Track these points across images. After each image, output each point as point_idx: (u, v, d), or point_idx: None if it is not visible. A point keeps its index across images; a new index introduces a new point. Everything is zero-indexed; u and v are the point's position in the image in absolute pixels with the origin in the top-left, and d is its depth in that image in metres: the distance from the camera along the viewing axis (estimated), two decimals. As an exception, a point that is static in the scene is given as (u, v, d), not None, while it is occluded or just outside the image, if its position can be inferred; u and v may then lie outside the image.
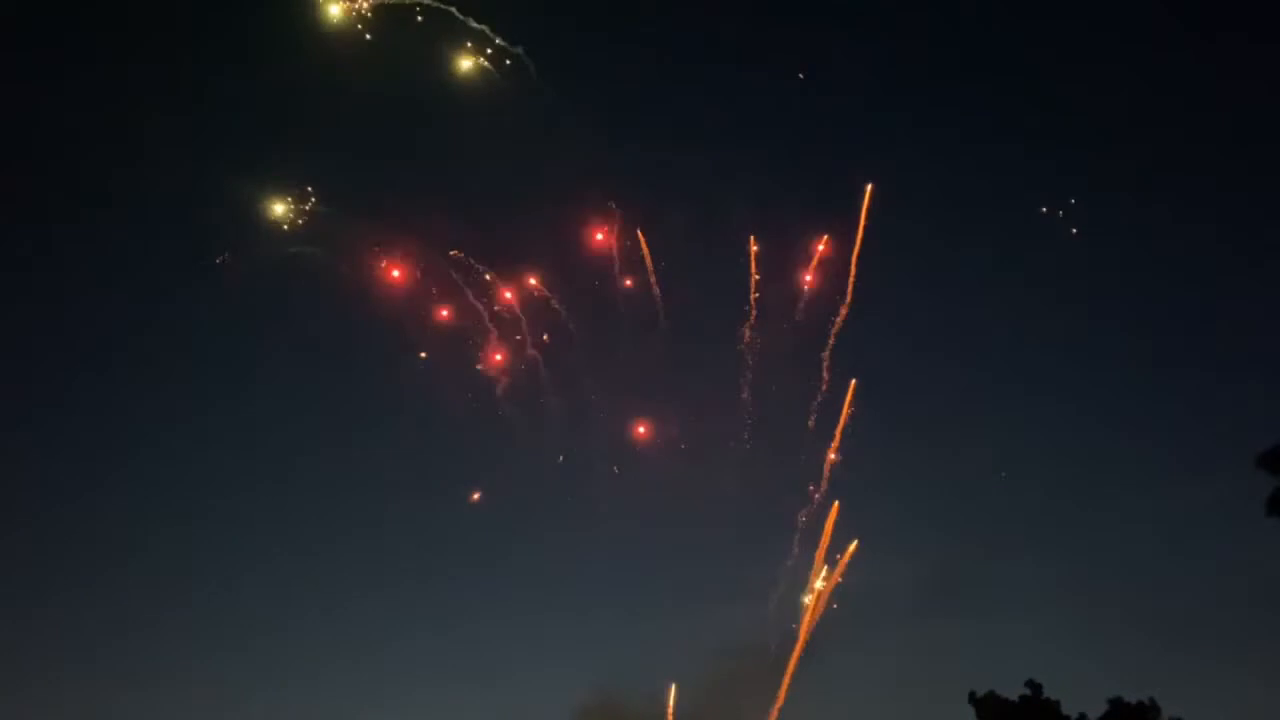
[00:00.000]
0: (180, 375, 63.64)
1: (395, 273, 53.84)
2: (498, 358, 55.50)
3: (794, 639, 54.26)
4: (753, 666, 55.17)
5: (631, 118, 58.43)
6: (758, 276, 54.89)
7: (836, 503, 54.35)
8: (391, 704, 60.87)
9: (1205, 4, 60.60)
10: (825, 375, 55.33)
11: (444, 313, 54.74)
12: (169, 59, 54.71)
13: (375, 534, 65.13)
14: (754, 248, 54.75)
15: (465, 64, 48.82)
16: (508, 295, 54.92)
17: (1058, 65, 60.37)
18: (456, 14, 47.71)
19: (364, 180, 55.83)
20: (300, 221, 51.36)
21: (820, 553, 54.09)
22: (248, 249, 52.47)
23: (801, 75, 55.58)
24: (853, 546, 54.14)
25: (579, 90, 53.12)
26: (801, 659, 53.87)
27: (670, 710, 53.96)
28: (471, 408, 57.41)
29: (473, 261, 54.46)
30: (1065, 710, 36.49)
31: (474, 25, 48.14)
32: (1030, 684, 36.71)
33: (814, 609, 53.79)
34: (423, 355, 55.11)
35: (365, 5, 46.74)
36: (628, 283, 55.18)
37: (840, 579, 54.12)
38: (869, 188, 53.43)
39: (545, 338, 55.51)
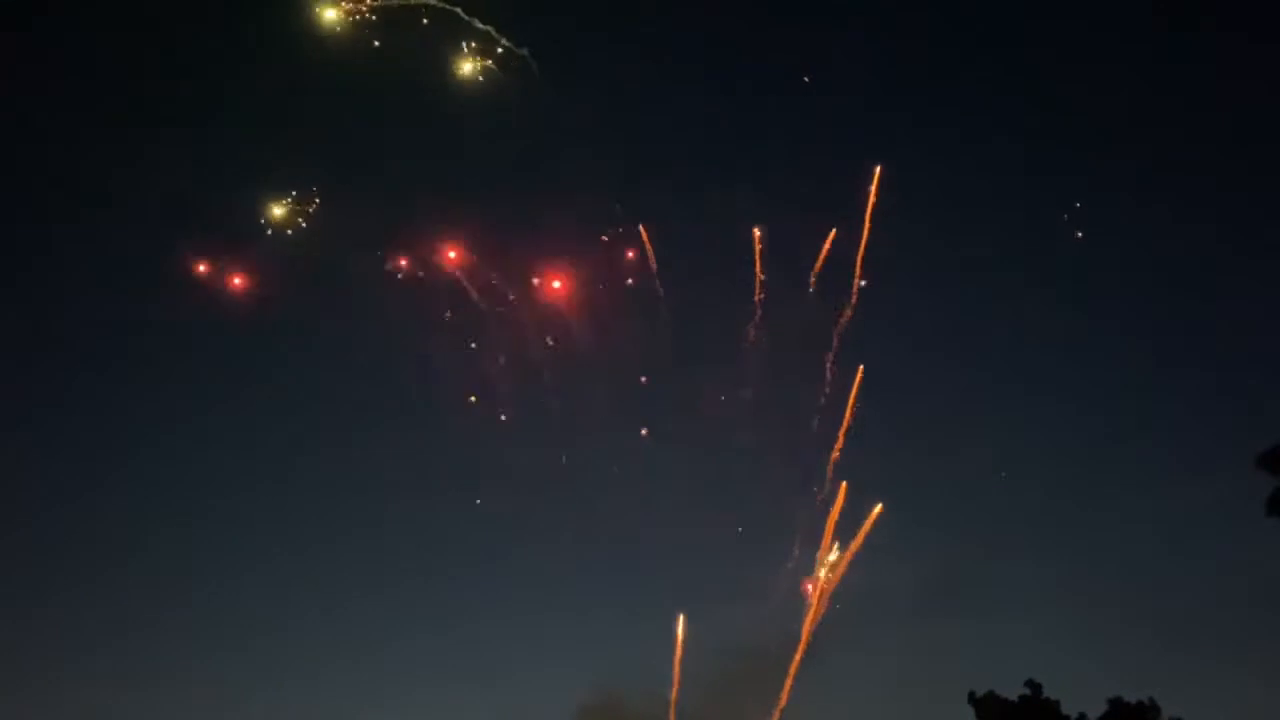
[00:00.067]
0: (180, 375, 63.85)
1: (397, 273, 54.00)
2: (500, 359, 55.66)
3: (795, 639, 54.25)
4: (754, 666, 55.21)
5: (631, 118, 58.72)
6: (762, 276, 54.93)
7: (845, 483, 54.19)
8: (391, 704, 61.03)
9: (1206, 4, 60.74)
10: (829, 376, 55.39)
11: (445, 313, 54.96)
12: (170, 59, 54.89)
13: (375, 534, 65.36)
14: (759, 246, 54.74)
15: (467, 66, 48.81)
16: (511, 296, 55.07)
17: (1058, 65, 60.55)
18: (461, 14, 47.68)
19: (365, 180, 55.99)
20: (302, 222, 51.41)
21: (830, 526, 53.60)
22: (248, 249, 52.68)
23: (807, 79, 55.59)
24: (876, 510, 52.84)
25: (580, 89, 53.39)
26: (806, 648, 53.60)
27: (679, 641, 53.43)
28: (472, 407, 57.61)
29: (474, 262, 54.56)
30: (1065, 710, 36.44)
31: (479, 26, 48.14)
32: (1030, 684, 36.64)
33: (828, 584, 53.11)
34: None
35: (367, 6, 46.73)
36: (630, 281, 55.27)
37: (859, 548, 52.94)
38: (877, 170, 53.09)
39: (548, 338, 55.61)
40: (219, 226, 53.70)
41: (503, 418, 56.37)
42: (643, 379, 56.80)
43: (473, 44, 48.10)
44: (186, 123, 56.39)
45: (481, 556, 64.82)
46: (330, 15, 46.13)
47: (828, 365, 55.04)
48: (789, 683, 53.49)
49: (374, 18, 46.91)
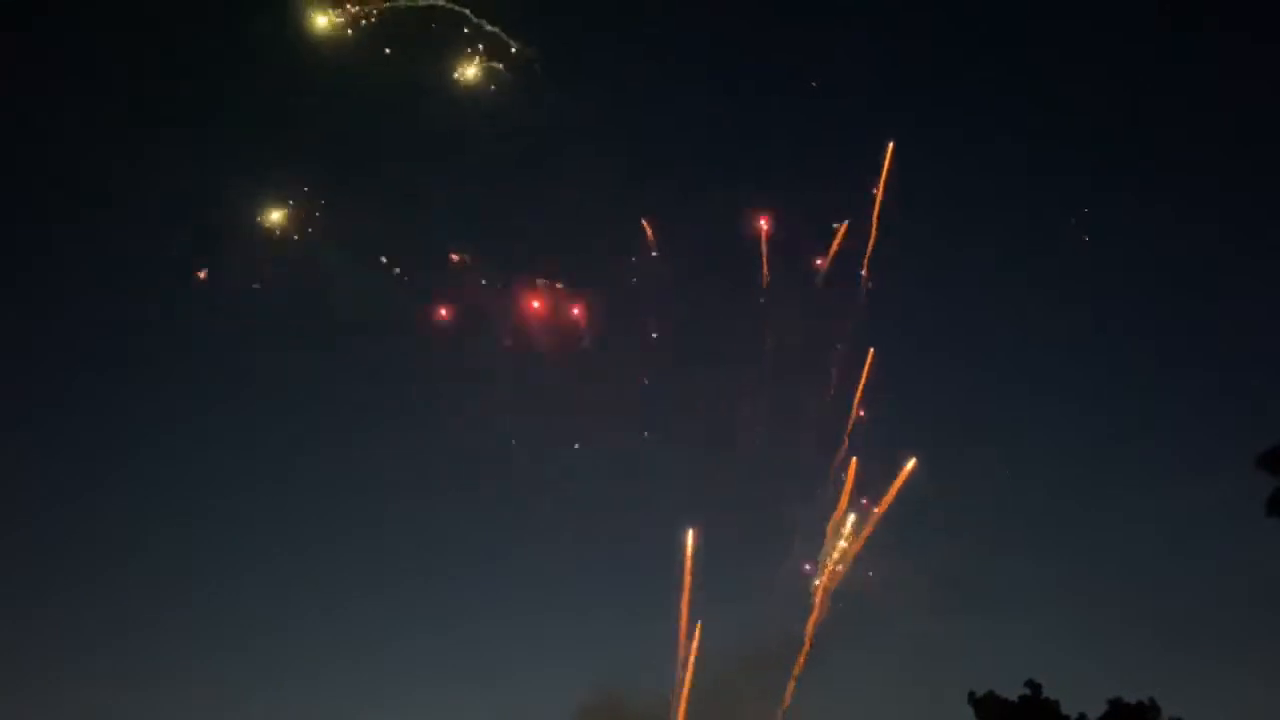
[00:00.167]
0: (180, 375, 63.81)
1: (398, 271, 54.05)
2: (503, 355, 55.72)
3: (796, 639, 54.23)
4: (754, 666, 55.21)
5: (634, 115, 58.79)
6: (767, 272, 54.98)
7: (855, 459, 54.21)
8: (391, 704, 60.94)
9: (1208, 4, 60.66)
10: (834, 378, 55.43)
11: (443, 312, 54.94)
12: (170, 59, 54.89)
13: (375, 534, 65.32)
14: (764, 236, 54.76)
15: (471, 69, 48.82)
16: (512, 297, 55.14)
17: (1061, 65, 60.56)
18: (470, 16, 47.67)
19: (366, 180, 56.15)
20: (296, 237, 51.54)
21: (843, 500, 53.45)
22: (248, 250, 52.68)
23: (814, 84, 55.69)
24: (910, 465, 52.96)
25: (584, 89, 53.56)
26: (807, 644, 53.45)
27: (689, 553, 53.13)
28: (473, 408, 57.69)
29: (475, 261, 54.61)
30: (1065, 710, 36.28)
31: (489, 28, 48.15)
32: (1030, 684, 36.49)
33: (832, 580, 52.81)
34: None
35: (370, 10, 46.69)
36: (634, 280, 55.42)
37: (889, 503, 52.85)
38: (890, 146, 52.96)
39: (552, 339, 55.66)
40: (219, 226, 53.87)
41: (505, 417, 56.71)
42: (645, 380, 57.00)
43: (481, 46, 48.21)
44: (186, 123, 56.54)
45: (481, 556, 65.00)
46: (321, 22, 46.12)
47: (833, 368, 55.19)
48: (792, 684, 53.59)
49: (373, 22, 46.98)
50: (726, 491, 56.31)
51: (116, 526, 63.66)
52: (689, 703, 53.19)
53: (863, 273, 54.20)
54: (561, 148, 54.95)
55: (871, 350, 54.11)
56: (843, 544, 53.48)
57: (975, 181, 62.01)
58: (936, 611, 58.75)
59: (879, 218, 53.31)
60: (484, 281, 54.23)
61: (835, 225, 54.51)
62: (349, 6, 46.79)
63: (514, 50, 48.16)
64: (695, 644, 52.85)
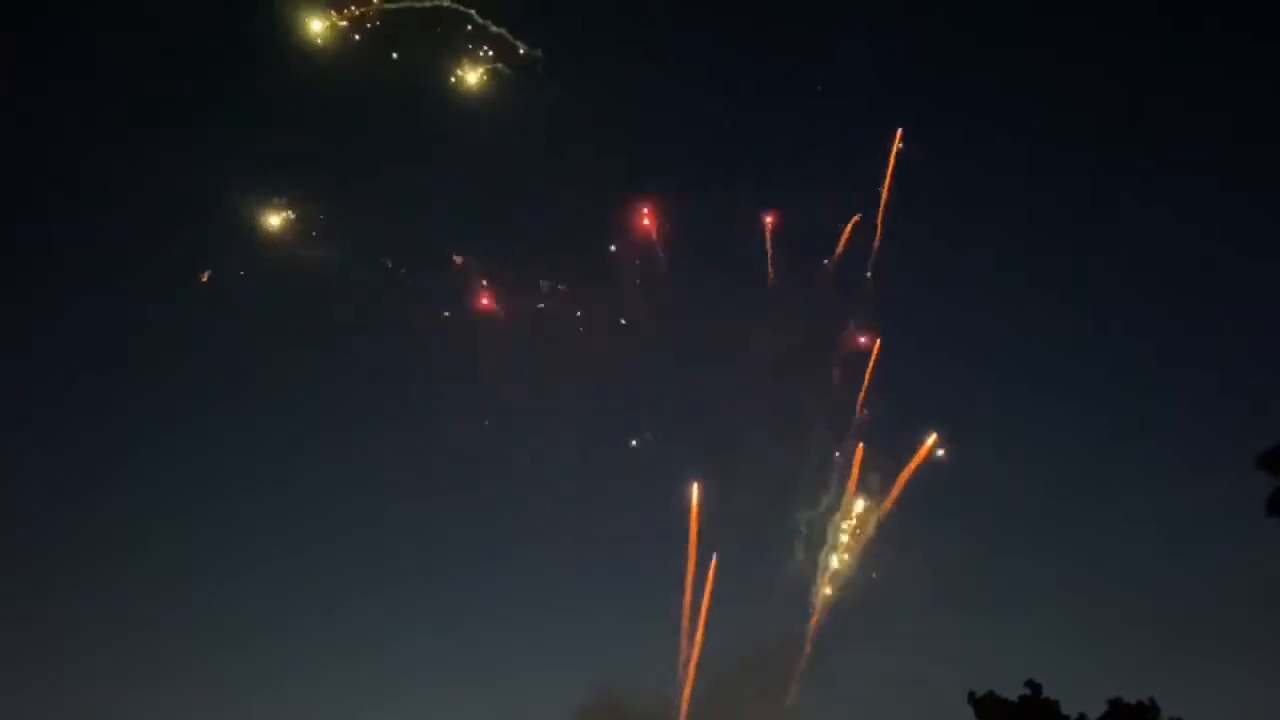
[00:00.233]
0: (180, 375, 63.85)
1: (401, 271, 54.08)
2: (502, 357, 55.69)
3: (796, 639, 54.25)
4: (755, 665, 55.22)
5: (634, 115, 58.81)
6: (773, 277, 55.02)
7: (861, 445, 54.20)
8: (391, 704, 61.02)
9: (1208, 4, 60.66)
10: (835, 375, 55.44)
11: (445, 313, 55.01)
12: (170, 59, 54.88)
13: (375, 534, 65.37)
14: (769, 232, 54.78)
15: (472, 72, 48.79)
16: (514, 296, 55.15)
17: (1061, 65, 60.55)
18: (476, 17, 47.63)
19: (366, 181, 56.15)
20: (302, 223, 51.51)
21: (851, 486, 53.43)
22: (249, 250, 52.70)
23: (819, 86, 55.69)
24: (931, 439, 53.04)
25: (585, 89, 53.53)
26: (808, 645, 53.46)
27: (694, 508, 53.23)
28: (473, 407, 57.69)
29: (476, 262, 54.62)
30: (1065, 710, 36.30)
31: (494, 29, 48.11)
32: (1030, 684, 36.51)
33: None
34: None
35: (371, 14, 46.66)
36: (637, 280, 55.46)
37: (913, 473, 53.04)
38: (899, 132, 52.88)
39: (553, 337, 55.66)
40: (219, 226, 53.89)
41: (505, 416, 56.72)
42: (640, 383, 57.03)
43: (485, 47, 48.20)
44: (186, 123, 56.54)
45: (481, 556, 65.02)
46: (316, 27, 46.12)
47: (835, 368, 55.20)
48: (794, 686, 53.60)
49: (378, 25, 46.95)
50: (726, 491, 56.61)
51: (116, 526, 63.88)
52: (689, 703, 53.39)
53: (868, 275, 54.29)
54: (562, 148, 55.02)
55: (879, 341, 54.17)
56: (845, 538, 53.57)
57: (976, 181, 62.14)
58: (936, 611, 58.95)
59: (886, 207, 53.39)
60: (484, 282, 54.24)
61: (840, 225, 54.58)
62: (352, 9, 46.79)
63: (521, 51, 48.20)
64: (699, 637, 52.98)
